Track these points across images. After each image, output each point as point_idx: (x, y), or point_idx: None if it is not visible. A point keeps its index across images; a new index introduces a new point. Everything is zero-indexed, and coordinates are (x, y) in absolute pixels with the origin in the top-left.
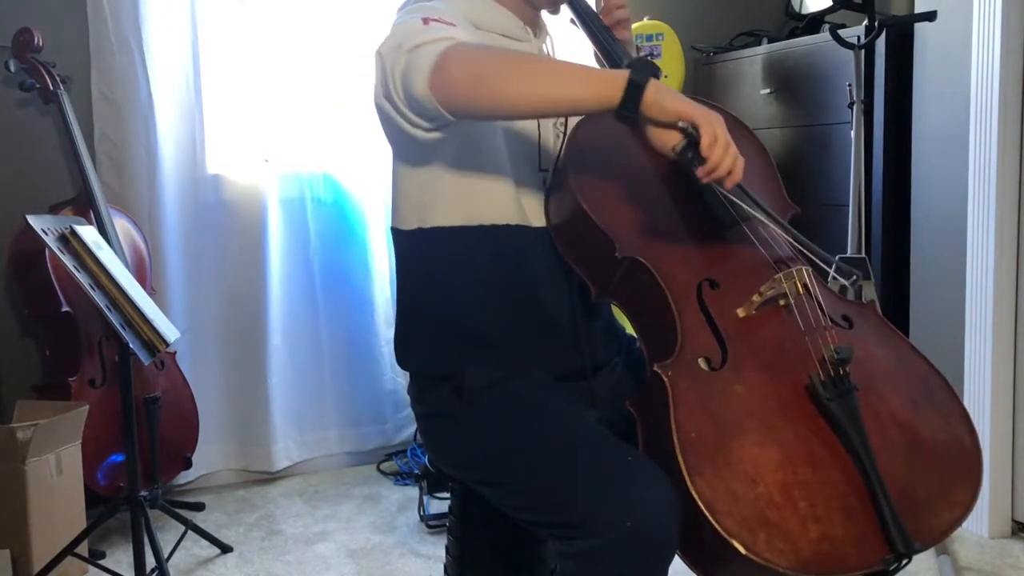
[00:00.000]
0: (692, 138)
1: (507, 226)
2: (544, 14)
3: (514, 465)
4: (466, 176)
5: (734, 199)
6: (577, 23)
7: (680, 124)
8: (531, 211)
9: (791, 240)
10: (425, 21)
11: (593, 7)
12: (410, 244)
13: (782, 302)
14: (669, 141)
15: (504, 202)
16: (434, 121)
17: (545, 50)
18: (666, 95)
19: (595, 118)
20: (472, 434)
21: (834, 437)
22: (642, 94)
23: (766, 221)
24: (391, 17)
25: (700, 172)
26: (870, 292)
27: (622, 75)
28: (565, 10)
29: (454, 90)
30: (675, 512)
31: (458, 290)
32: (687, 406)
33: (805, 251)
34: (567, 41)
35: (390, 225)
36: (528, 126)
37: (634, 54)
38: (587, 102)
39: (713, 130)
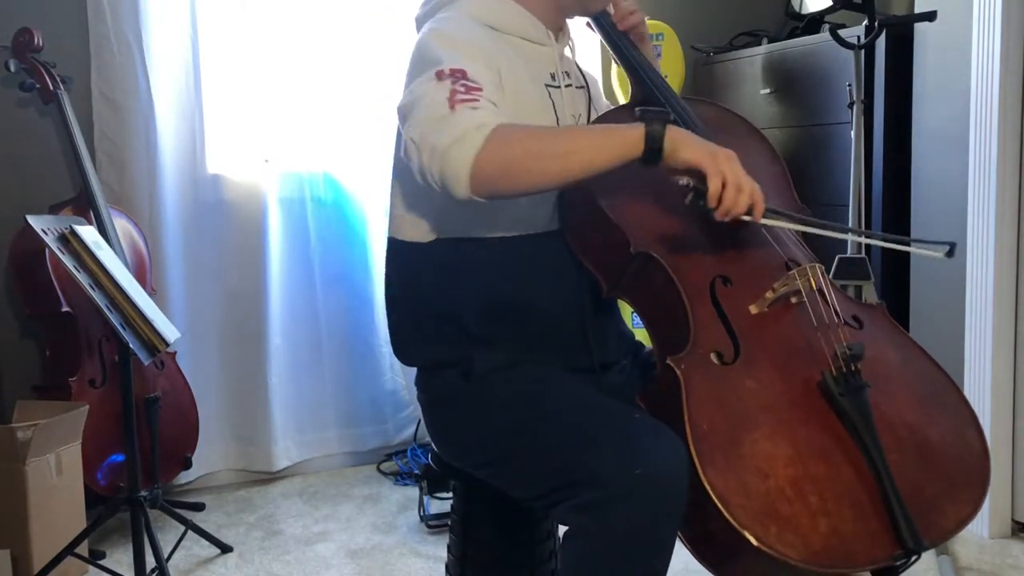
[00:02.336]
0: (698, 191)
1: (513, 237)
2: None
3: (523, 433)
4: None
5: (773, 224)
6: (593, 27)
7: (680, 182)
8: (539, 214)
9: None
10: (451, 104)
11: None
12: (409, 255)
13: (794, 299)
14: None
15: (513, 214)
16: (479, 203)
17: (567, 54)
18: (680, 146)
19: (608, 115)
20: (480, 412)
21: (845, 433)
22: (661, 149)
23: (817, 231)
24: (391, 18)
25: (717, 216)
26: (870, 292)
27: (639, 134)
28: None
29: (493, 187)
30: (683, 461)
31: (467, 302)
32: (700, 399)
33: (874, 239)
34: (586, 44)
35: (388, 235)
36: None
37: (651, 55)
38: (614, 163)
39: (720, 177)
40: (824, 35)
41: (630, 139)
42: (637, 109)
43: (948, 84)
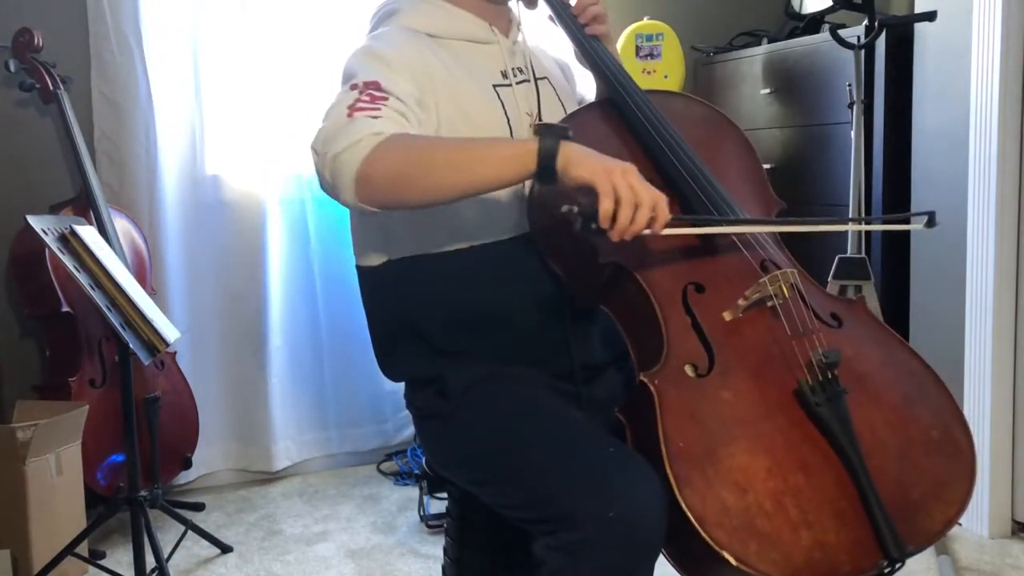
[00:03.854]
0: (585, 214)
1: (477, 247)
2: (521, 9)
3: (498, 463)
4: (429, 210)
5: (679, 231)
6: (555, 20)
7: (563, 210)
8: (504, 222)
9: (780, 231)
10: (350, 112)
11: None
12: (376, 279)
13: (769, 304)
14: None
15: (472, 224)
16: (373, 213)
17: (517, 50)
18: (572, 164)
19: (580, 125)
20: (457, 434)
21: (824, 441)
22: (555, 165)
23: (746, 230)
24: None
25: (614, 237)
26: (870, 292)
27: (532, 149)
28: (543, 7)
29: (379, 196)
30: (660, 503)
31: (431, 318)
32: (674, 415)
33: (817, 228)
34: (543, 33)
35: (355, 263)
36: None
37: (614, 50)
38: (507, 181)
39: (612, 197)
40: (824, 35)
41: (523, 155)
42: (535, 125)
43: (948, 84)
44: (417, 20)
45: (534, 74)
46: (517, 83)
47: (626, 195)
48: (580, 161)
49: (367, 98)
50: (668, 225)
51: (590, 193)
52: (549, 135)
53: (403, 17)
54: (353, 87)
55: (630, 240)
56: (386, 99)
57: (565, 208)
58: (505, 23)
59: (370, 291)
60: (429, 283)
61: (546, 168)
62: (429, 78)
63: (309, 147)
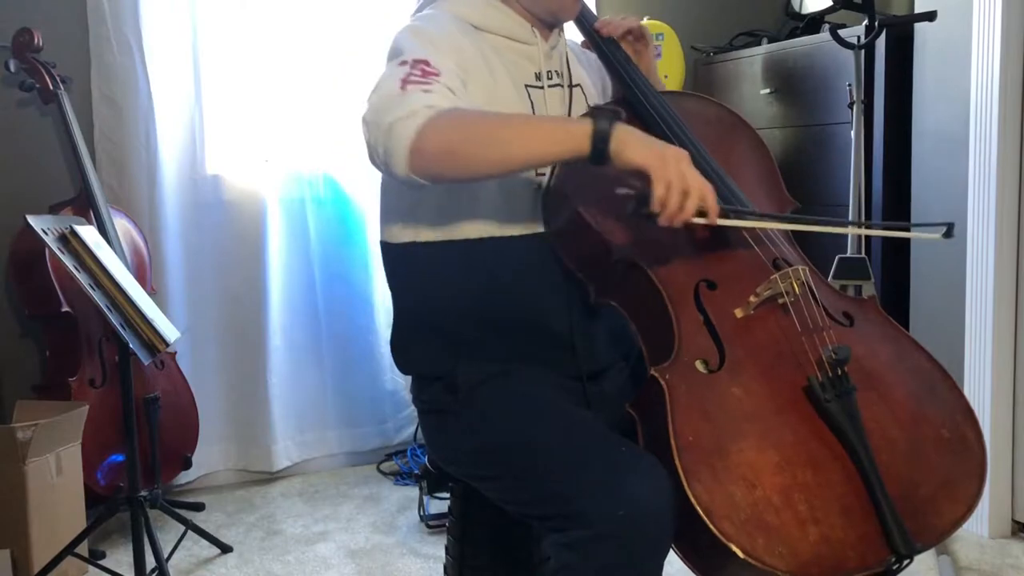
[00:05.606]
0: (640, 197)
1: (496, 239)
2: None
3: (508, 460)
4: (454, 192)
5: (732, 224)
6: (591, 48)
7: (618, 191)
8: (521, 217)
9: (806, 229)
10: (403, 84)
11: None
12: (398, 258)
13: (780, 301)
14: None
15: (492, 215)
16: (421, 186)
17: (555, 54)
18: (626, 146)
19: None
20: (466, 429)
21: (833, 438)
22: (608, 147)
23: (777, 226)
24: (391, 18)
25: (661, 222)
26: (870, 292)
27: (586, 131)
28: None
29: (432, 168)
30: (669, 502)
31: (448, 303)
32: (684, 410)
33: (862, 229)
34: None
35: (379, 239)
36: None
37: (653, 61)
38: (559, 157)
39: (666, 182)
40: (824, 35)
41: (577, 135)
42: (590, 106)
43: (948, 84)
44: (462, 9)
45: (569, 80)
46: (549, 86)
47: (677, 183)
48: (634, 145)
49: (418, 72)
50: (721, 217)
51: (642, 177)
52: (603, 117)
53: (449, 4)
54: (403, 63)
55: (679, 225)
56: (437, 75)
57: (623, 191)
58: (548, 29)
59: (395, 269)
60: (449, 270)
61: (599, 150)
62: (466, 65)
63: (360, 119)
